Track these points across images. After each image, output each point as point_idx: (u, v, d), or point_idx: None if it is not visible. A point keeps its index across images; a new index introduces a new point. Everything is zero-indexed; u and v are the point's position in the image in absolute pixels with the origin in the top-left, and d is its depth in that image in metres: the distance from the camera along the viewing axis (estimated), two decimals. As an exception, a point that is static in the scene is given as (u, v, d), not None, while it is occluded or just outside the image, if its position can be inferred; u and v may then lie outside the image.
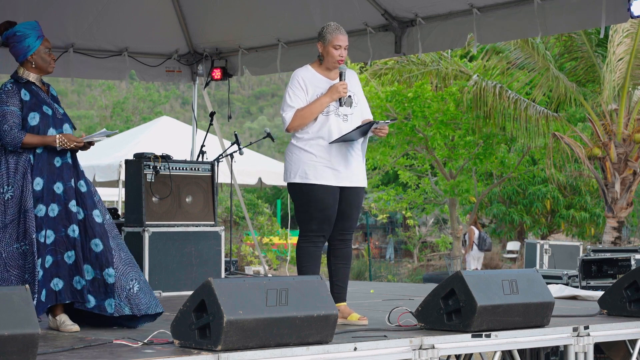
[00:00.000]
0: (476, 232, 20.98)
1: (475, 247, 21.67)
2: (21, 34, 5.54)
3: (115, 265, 5.51)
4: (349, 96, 5.90)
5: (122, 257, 5.59)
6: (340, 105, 5.85)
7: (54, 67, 5.64)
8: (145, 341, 4.69)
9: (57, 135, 5.45)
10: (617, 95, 14.20)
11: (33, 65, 5.55)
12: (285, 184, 6.03)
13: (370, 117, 6.04)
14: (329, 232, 5.89)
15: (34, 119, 5.44)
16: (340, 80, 5.87)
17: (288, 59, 9.86)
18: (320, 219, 5.81)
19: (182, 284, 8.28)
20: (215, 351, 4.33)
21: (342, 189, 5.87)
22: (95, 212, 5.56)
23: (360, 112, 5.98)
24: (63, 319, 5.44)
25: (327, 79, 5.91)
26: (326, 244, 6.00)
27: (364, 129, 5.80)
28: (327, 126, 5.81)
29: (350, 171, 5.87)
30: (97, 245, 5.52)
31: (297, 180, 5.83)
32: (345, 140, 5.81)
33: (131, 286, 5.53)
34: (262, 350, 4.44)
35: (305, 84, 5.86)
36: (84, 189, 5.59)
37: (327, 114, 5.83)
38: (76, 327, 5.42)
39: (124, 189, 8.44)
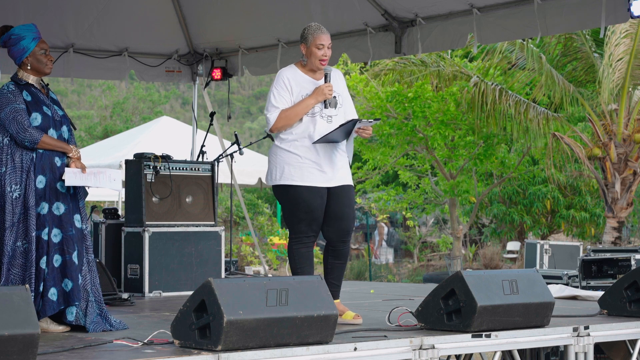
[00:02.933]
0: (385, 228, 21.13)
1: (384, 242, 21.86)
2: (16, 37, 5.55)
3: (82, 273, 5.48)
4: (334, 97, 5.86)
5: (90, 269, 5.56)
6: (325, 107, 5.82)
7: (51, 68, 5.63)
8: (145, 341, 4.70)
9: (75, 149, 5.52)
10: (617, 95, 14.19)
11: (29, 67, 5.55)
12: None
13: (355, 117, 5.98)
14: (318, 231, 5.86)
15: (36, 119, 5.46)
16: (326, 81, 5.83)
17: (288, 59, 9.85)
18: (309, 220, 5.78)
19: (182, 284, 8.29)
20: (215, 351, 4.33)
21: (330, 189, 5.84)
22: (77, 217, 5.56)
23: (344, 112, 5.93)
24: (48, 321, 5.42)
25: (312, 80, 5.87)
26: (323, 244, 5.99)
27: (347, 128, 5.75)
28: (312, 127, 5.78)
29: (336, 171, 5.84)
30: None
31: (283, 182, 5.80)
32: (329, 140, 5.77)
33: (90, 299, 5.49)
34: (262, 350, 4.44)
35: (291, 84, 5.82)
36: (71, 190, 5.61)
37: (312, 115, 5.80)
38: (65, 327, 5.42)
39: (124, 189, 8.42)
